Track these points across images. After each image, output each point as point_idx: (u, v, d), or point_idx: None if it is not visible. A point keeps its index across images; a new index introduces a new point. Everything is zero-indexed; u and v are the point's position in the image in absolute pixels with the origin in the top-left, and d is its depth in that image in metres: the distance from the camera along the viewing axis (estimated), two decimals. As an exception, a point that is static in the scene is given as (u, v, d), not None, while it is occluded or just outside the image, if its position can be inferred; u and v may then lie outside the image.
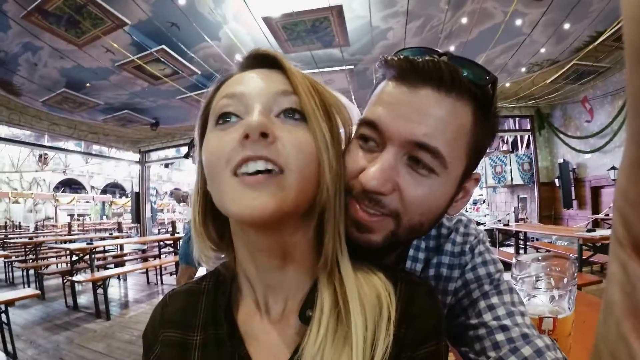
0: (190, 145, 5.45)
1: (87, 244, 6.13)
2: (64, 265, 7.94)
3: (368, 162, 0.60)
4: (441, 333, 0.56)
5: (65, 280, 6.09)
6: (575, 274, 0.70)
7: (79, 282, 5.42)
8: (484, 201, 17.79)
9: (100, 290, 5.36)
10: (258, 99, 0.52)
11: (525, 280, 0.73)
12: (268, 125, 0.48)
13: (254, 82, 0.54)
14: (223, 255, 0.62)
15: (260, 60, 0.58)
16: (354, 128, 0.65)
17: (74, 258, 6.22)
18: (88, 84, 7.57)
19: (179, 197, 5.38)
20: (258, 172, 0.48)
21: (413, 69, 0.58)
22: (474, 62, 0.61)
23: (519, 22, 6.07)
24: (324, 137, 0.52)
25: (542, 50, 7.07)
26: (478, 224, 12.05)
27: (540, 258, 0.74)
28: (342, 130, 0.60)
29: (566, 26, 6.22)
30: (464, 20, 6.00)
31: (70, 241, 9.06)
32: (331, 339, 0.51)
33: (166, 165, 17.64)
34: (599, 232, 4.75)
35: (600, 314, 0.35)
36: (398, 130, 0.58)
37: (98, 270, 6.45)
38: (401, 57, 0.61)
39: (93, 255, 6.02)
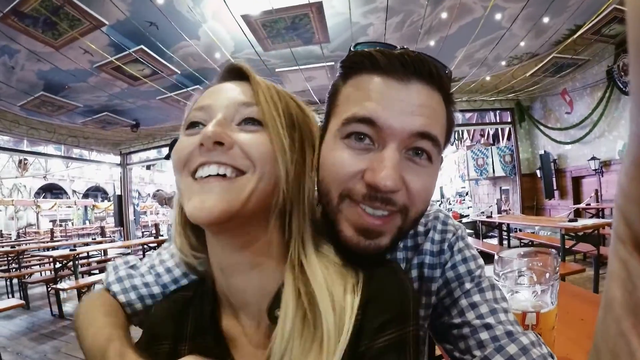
0: (172, 145, 5.41)
1: (70, 250, 6.02)
2: (48, 272, 7.76)
3: (368, 162, 0.59)
4: (407, 318, 0.53)
5: (49, 289, 5.97)
6: (557, 268, 0.70)
7: (63, 290, 5.31)
8: (467, 193, 17.99)
9: (85, 297, 5.25)
10: (221, 109, 0.56)
11: (507, 276, 0.73)
12: (222, 134, 0.52)
13: (220, 95, 0.58)
14: (201, 258, 0.63)
15: (233, 73, 0.63)
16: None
17: (58, 265, 6.10)
18: (66, 87, 7.42)
19: (162, 199, 5.35)
20: (211, 175, 0.52)
21: (401, 63, 0.59)
22: (428, 55, 0.63)
23: (498, 16, 6.12)
24: (281, 141, 0.55)
25: (522, 44, 7.16)
26: (461, 216, 12.28)
27: (522, 253, 0.74)
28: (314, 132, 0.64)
29: (545, 20, 6.30)
30: (444, 15, 6.04)
31: (53, 248, 8.91)
32: (299, 337, 0.52)
33: (148, 167, 17.46)
34: (581, 222, 4.83)
35: (599, 310, 0.35)
36: (401, 125, 0.58)
37: (82, 277, 6.35)
38: (384, 51, 0.62)
39: (77, 262, 5.91)
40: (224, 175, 0.52)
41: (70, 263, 5.92)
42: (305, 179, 0.58)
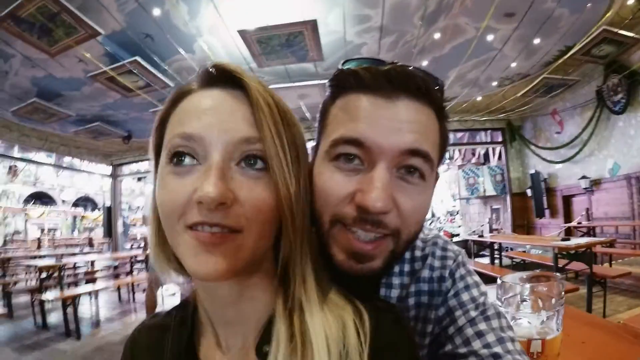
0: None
1: (57, 260, 5.92)
2: (34, 282, 7.62)
3: (358, 183, 0.57)
4: None
5: (34, 299, 5.86)
6: (563, 293, 0.69)
7: (48, 300, 5.22)
8: (458, 212, 18.04)
9: (70, 309, 5.15)
10: (218, 145, 0.47)
11: (511, 302, 0.71)
12: (226, 194, 0.45)
13: (214, 120, 0.48)
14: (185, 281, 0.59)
15: (222, 76, 0.52)
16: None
17: (43, 275, 5.99)
18: (60, 95, 7.38)
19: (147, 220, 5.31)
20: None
21: (387, 80, 0.58)
22: (421, 69, 0.62)
23: (490, 37, 6.23)
24: (288, 191, 0.49)
25: (513, 64, 7.28)
26: (452, 235, 12.29)
27: (525, 277, 0.73)
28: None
29: (536, 41, 6.43)
30: (437, 35, 6.14)
31: (40, 257, 8.77)
32: None
33: (139, 179, 17.32)
34: (574, 241, 4.86)
35: None
36: (389, 144, 0.56)
37: (68, 288, 6.24)
38: (370, 68, 0.60)
39: (63, 273, 5.81)
40: (226, 231, 0.46)
41: (56, 274, 5.81)
42: (307, 212, 0.54)
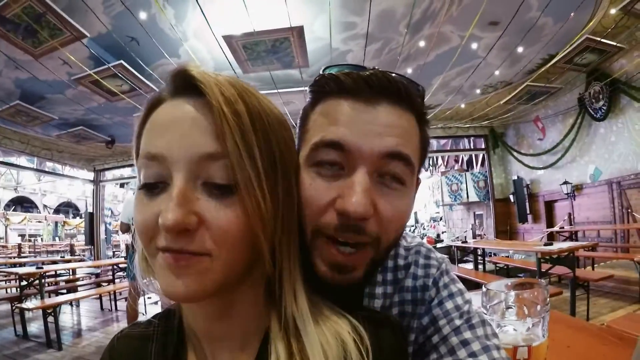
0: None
1: (37, 268, 5.79)
2: (14, 290, 7.44)
3: (338, 189, 0.56)
4: None
5: (14, 307, 5.72)
6: (548, 300, 0.70)
7: (28, 309, 5.10)
8: (441, 219, 18.17)
9: (51, 318, 5.02)
10: (179, 165, 0.44)
11: (495, 309, 0.71)
12: (187, 220, 0.42)
13: (175, 135, 0.45)
14: None
15: (188, 84, 0.48)
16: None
17: (24, 283, 5.86)
18: (43, 97, 7.26)
19: (124, 226, 5.26)
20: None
21: (367, 85, 0.58)
22: (403, 75, 0.62)
23: (474, 45, 6.33)
24: (259, 209, 0.45)
25: (497, 72, 7.39)
26: (436, 241, 12.39)
27: (510, 284, 0.73)
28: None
29: (520, 49, 6.53)
30: (422, 43, 6.21)
31: (20, 264, 8.59)
32: None
33: (122, 185, 17.09)
34: (557, 245, 4.93)
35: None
36: (369, 147, 0.56)
37: (49, 296, 6.11)
38: (351, 74, 0.60)
39: (43, 280, 5.69)
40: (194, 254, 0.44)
41: (37, 282, 5.68)
42: (294, 224, 0.53)
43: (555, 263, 4.76)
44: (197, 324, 0.55)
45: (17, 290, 6.18)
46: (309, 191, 0.57)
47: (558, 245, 4.89)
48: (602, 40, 6.08)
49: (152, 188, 0.46)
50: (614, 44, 6.26)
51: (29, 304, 5.32)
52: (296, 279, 0.51)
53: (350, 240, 0.57)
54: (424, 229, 18.43)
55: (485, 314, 0.70)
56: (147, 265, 0.54)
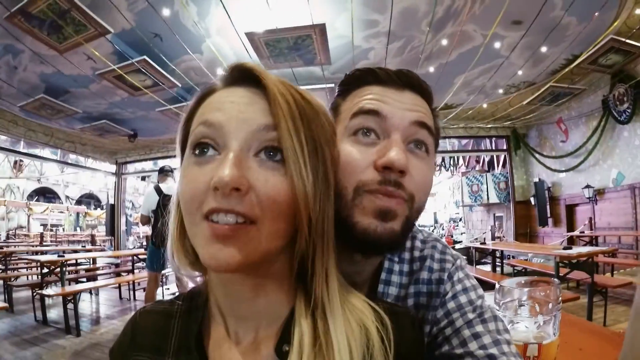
0: (160, 172, 5.44)
1: (59, 256, 5.93)
2: (35, 277, 7.64)
3: (377, 152, 0.64)
4: None
5: (34, 294, 5.88)
6: (560, 299, 0.70)
7: (48, 296, 5.23)
8: (461, 219, 18.01)
9: (70, 305, 5.16)
10: (236, 134, 0.49)
11: (508, 306, 0.72)
12: (241, 180, 0.46)
13: (233, 111, 0.50)
14: (199, 275, 0.60)
15: (243, 75, 0.54)
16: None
17: (45, 270, 6.02)
18: (67, 91, 7.43)
19: (144, 219, 5.36)
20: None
21: (397, 77, 0.70)
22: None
23: (497, 45, 6.24)
24: (304, 185, 0.49)
25: (520, 72, 7.27)
26: (455, 242, 12.29)
27: (523, 282, 0.74)
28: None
29: (543, 49, 6.42)
30: (444, 42, 6.15)
31: (42, 252, 8.79)
32: None
33: (143, 178, 17.37)
34: (576, 250, 4.83)
35: (629, 320, 0.35)
36: (401, 115, 0.66)
37: (69, 284, 6.26)
38: (381, 68, 0.73)
39: (64, 268, 5.83)
40: (240, 222, 0.47)
41: (58, 269, 5.83)
42: (329, 208, 0.54)
43: (574, 268, 4.68)
44: (226, 302, 0.57)
45: (38, 278, 6.33)
46: (349, 156, 0.65)
47: (577, 250, 4.81)
48: (627, 41, 5.93)
49: (202, 154, 0.50)
50: (639, 45, 6.10)
51: (50, 290, 5.46)
52: (329, 260, 0.54)
53: (392, 191, 0.63)
54: (443, 229, 18.30)
55: (498, 311, 0.71)
56: (182, 245, 0.57)
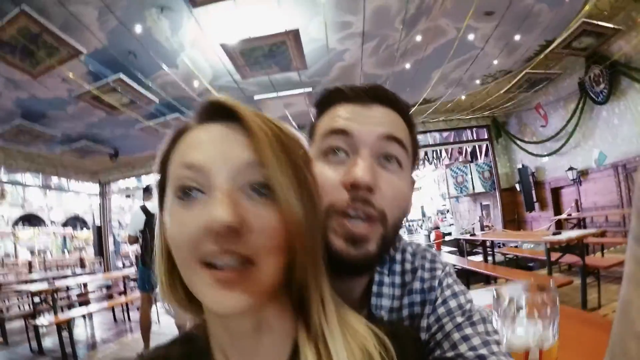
0: (145, 190, 5.37)
1: (49, 284, 5.81)
2: (27, 306, 7.49)
3: (346, 170, 0.65)
4: None
5: (28, 324, 5.75)
6: (557, 301, 0.70)
7: (42, 326, 5.14)
8: (448, 211, 18.16)
9: (65, 332, 5.06)
10: (221, 173, 0.47)
11: (506, 313, 0.73)
12: (237, 219, 0.44)
13: (214, 150, 0.49)
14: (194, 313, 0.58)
15: (218, 110, 0.52)
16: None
17: (36, 300, 5.90)
18: (44, 115, 7.30)
19: (132, 239, 5.30)
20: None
21: (365, 92, 0.71)
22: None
23: (471, 36, 6.31)
24: (294, 215, 0.48)
25: (495, 62, 7.37)
26: (444, 235, 12.40)
27: (520, 288, 0.74)
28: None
29: (517, 37, 6.51)
30: (418, 38, 6.19)
31: (32, 281, 8.64)
32: None
33: (127, 196, 17.18)
34: (565, 234, 4.90)
35: (616, 312, 0.35)
36: (369, 131, 0.67)
37: (62, 311, 6.15)
38: (349, 85, 0.74)
39: (56, 296, 5.73)
40: (241, 264, 0.46)
41: (49, 298, 5.72)
42: (318, 234, 0.54)
43: (565, 252, 4.76)
44: (228, 342, 0.55)
45: (30, 307, 6.19)
46: (321, 176, 0.63)
47: (567, 234, 4.87)
48: (599, 23, 6.03)
49: (187, 196, 0.48)
50: (611, 26, 6.19)
51: (43, 320, 5.36)
52: (323, 285, 0.53)
53: (360, 210, 0.64)
54: (431, 222, 18.38)
55: (497, 318, 0.71)
56: (173, 291, 0.55)
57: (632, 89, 6.97)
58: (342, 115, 0.70)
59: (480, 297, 0.71)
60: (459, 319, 0.68)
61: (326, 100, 0.75)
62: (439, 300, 0.73)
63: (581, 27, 6.06)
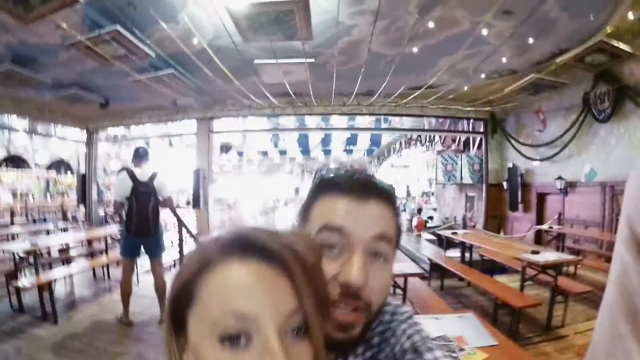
0: (135, 155, 5.20)
1: (32, 245, 5.68)
2: (9, 263, 7.37)
3: (340, 267, 0.70)
4: None
5: (9, 283, 5.61)
6: None
7: (24, 288, 5.15)
8: (433, 194, 18.34)
9: (46, 293, 5.12)
10: (271, 323, 0.49)
11: None
12: None
13: (266, 298, 0.50)
14: None
15: (255, 246, 0.53)
16: None
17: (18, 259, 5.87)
18: (35, 61, 7.04)
19: (117, 206, 5.18)
20: None
21: (362, 187, 0.75)
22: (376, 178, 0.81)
23: (485, 32, 6.15)
24: (322, 351, 0.54)
25: (504, 59, 7.24)
26: (426, 221, 12.56)
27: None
28: None
29: (530, 40, 6.39)
30: (431, 24, 6.01)
31: (14, 236, 8.61)
32: None
33: (114, 142, 16.93)
34: (543, 256, 5.08)
35: (599, 313, 0.37)
36: (364, 231, 0.71)
37: (43, 269, 6.13)
38: (347, 177, 0.78)
39: (38, 256, 5.70)
40: None
41: (32, 257, 5.69)
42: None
43: (540, 271, 5.02)
44: None
45: (12, 264, 6.05)
46: None
47: (544, 257, 5.05)
48: (616, 44, 5.94)
49: (236, 344, 0.48)
50: (628, 49, 6.10)
51: (24, 280, 5.37)
52: None
53: (350, 304, 0.69)
54: (414, 203, 18.55)
55: None
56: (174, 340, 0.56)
57: (635, 114, 6.95)
58: (339, 211, 0.73)
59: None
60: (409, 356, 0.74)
61: (322, 188, 0.79)
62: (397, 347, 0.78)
63: (597, 44, 5.97)
